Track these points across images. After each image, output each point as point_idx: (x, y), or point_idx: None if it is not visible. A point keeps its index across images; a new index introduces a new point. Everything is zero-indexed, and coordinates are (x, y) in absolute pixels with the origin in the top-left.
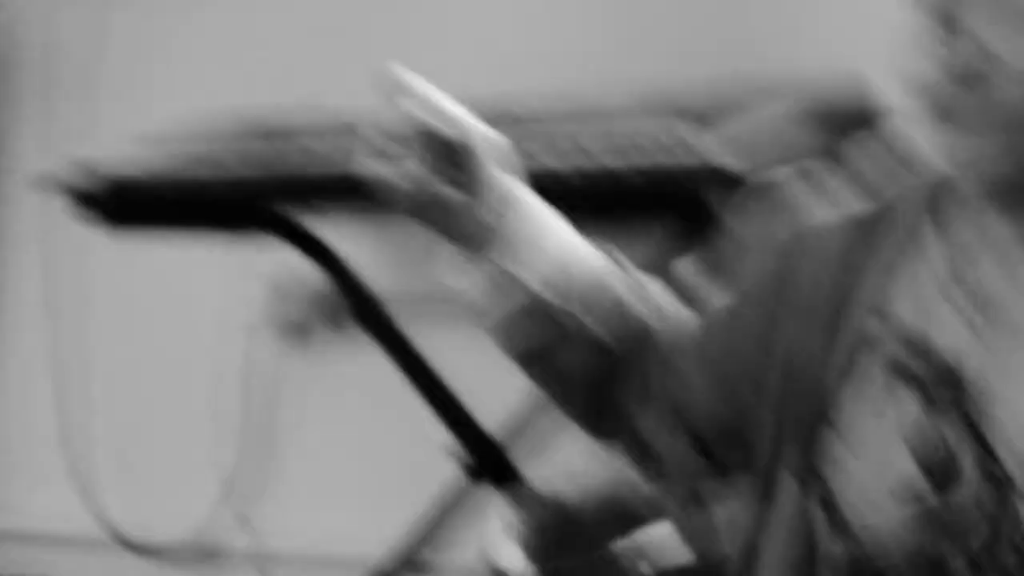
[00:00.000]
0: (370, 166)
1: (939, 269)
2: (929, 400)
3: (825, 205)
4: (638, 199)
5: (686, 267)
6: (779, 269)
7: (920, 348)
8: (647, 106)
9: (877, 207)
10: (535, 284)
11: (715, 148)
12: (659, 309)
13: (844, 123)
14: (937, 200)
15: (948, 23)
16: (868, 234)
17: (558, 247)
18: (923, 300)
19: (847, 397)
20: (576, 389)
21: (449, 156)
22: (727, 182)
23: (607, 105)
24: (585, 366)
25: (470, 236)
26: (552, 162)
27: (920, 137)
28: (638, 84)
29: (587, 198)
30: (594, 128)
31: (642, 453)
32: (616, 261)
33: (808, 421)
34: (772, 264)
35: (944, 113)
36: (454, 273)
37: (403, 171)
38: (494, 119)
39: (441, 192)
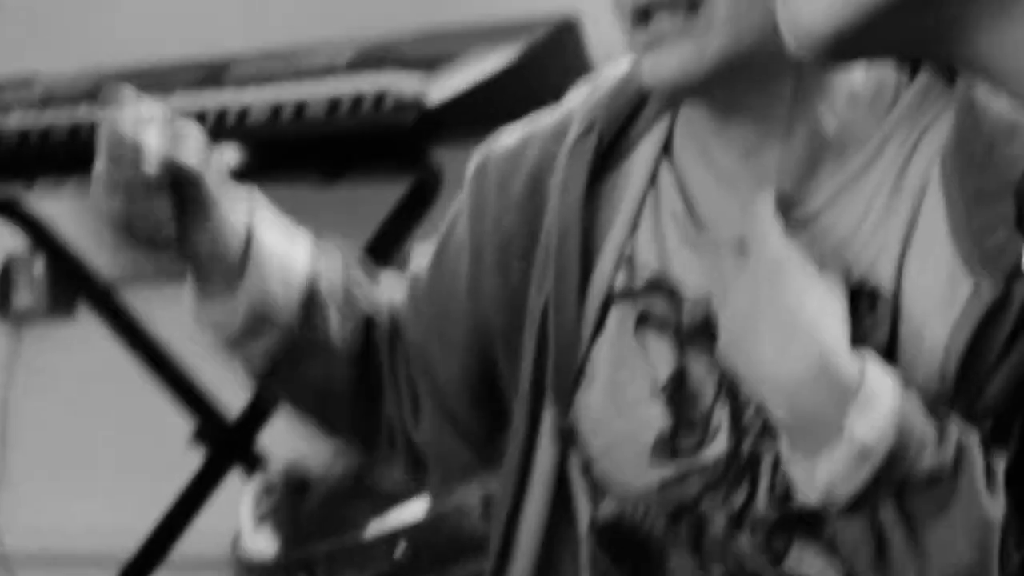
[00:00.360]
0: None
1: (673, 202)
2: (682, 349)
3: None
4: (364, 157)
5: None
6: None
7: (668, 293)
8: (366, 58)
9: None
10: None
11: (438, 101)
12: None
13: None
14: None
15: None
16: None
17: (281, 262)
18: (664, 239)
19: (601, 353)
20: (325, 398)
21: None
22: (451, 135)
23: (325, 60)
24: (328, 377)
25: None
26: (271, 125)
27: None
28: (355, 36)
29: (310, 160)
30: (313, 86)
31: (404, 450)
32: (336, 257)
33: (564, 381)
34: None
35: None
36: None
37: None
38: (207, 78)
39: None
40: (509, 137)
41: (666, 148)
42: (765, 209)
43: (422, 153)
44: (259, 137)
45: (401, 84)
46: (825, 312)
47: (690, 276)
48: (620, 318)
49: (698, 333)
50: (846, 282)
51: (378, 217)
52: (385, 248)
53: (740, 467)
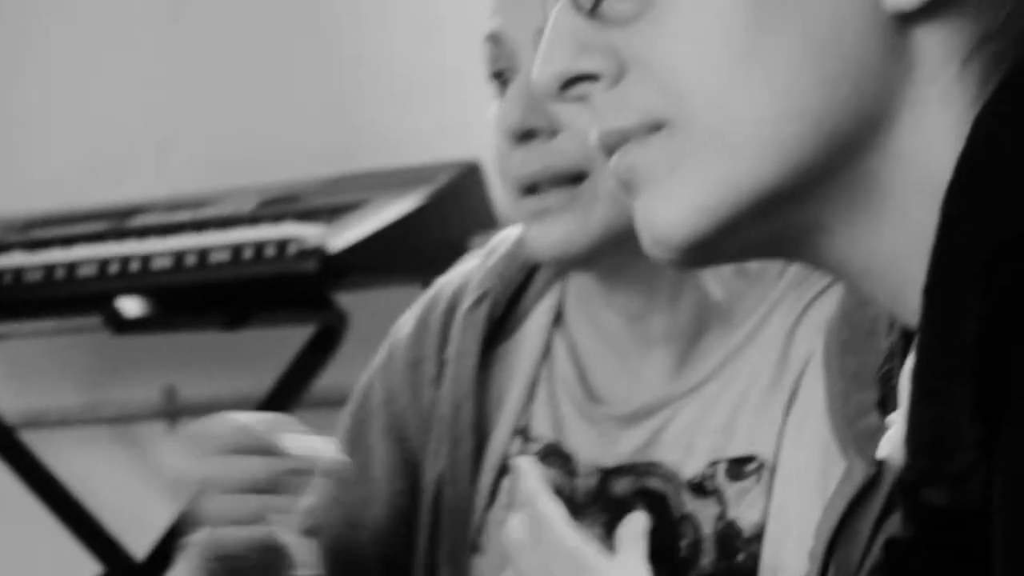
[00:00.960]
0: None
1: (565, 371)
2: (575, 516)
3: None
4: (268, 304)
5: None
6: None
7: (563, 461)
8: (271, 206)
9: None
10: None
11: (341, 247)
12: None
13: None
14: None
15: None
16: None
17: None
18: (558, 409)
19: (494, 521)
20: None
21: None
22: (357, 281)
23: (231, 208)
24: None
25: None
26: (177, 274)
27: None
28: (260, 186)
29: (217, 307)
30: (218, 234)
31: None
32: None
33: (458, 551)
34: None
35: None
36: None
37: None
38: (112, 228)
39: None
40: (408, 321)
41: (558, 316)
42: (540, 494)
43: (326, 298)
44: (164, 285)
45: (304, 231)
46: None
47: (584, 446)
48: (513, 489)
49: (591, 502)
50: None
51: (283, 361)
52: (290, 392)
53: None
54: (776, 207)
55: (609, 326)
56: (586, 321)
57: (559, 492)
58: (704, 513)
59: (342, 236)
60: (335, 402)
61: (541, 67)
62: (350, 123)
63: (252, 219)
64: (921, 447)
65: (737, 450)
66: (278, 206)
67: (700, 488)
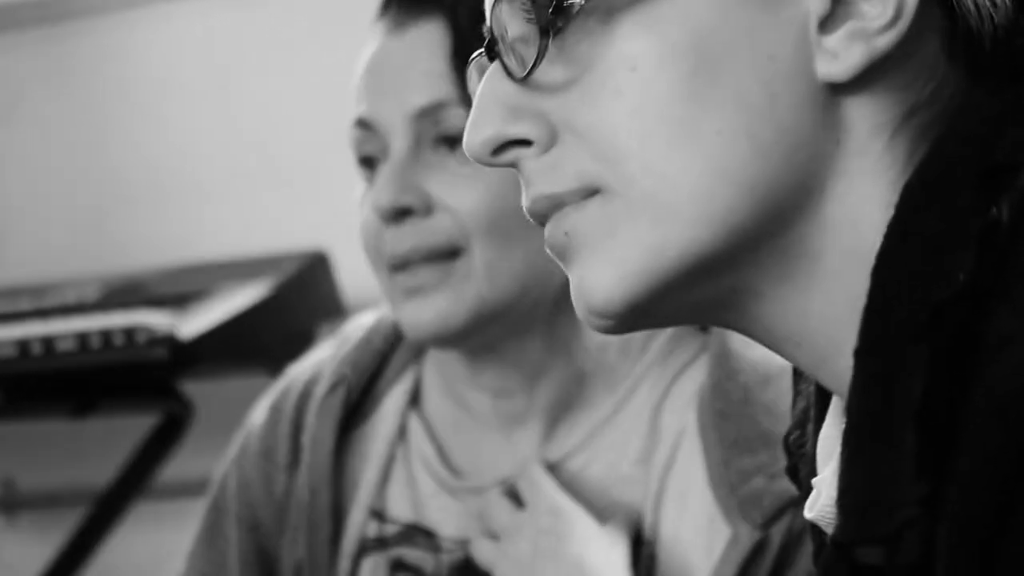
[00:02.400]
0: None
1: (423, 450)
2: None
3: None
4: (115, 391)
5: None
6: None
7: (425, 537)
8: (116, 294)
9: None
10: None
11: (189, 336)
12: None
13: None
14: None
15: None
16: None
17: None
18: (417, 488)
19: None
20: None
21: None
22: (205, 369)
23: (74, 297)
24: None
25: None
26: (22, 362)
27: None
28: (101, 275)
29: (63, 396)
30: (63, 322)
31: None
32: None
33: None
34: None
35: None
36: None
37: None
38: None
39: None
40: (261, 410)
41: (415, 397)
42: (535, 462)
43: (172, 387)
44: (8, 374)
45: (153, 319)
46: (609, 562)
47: (447, 520)
48: (372, 568)
49: (457, 573)
50: (628, 528)
51: (125, 451)
52: (133, 482)
53: None
54: (710, 271)
55: (474, 403)
56: (448, 399)
57: (419, 571)
58: None
59: (192, 324)
60: (179, 492)
61: (472, 132)
62: (188, 214)
63: (98, 307)
64: (856, 506)
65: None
66: (124, 295)
67: None
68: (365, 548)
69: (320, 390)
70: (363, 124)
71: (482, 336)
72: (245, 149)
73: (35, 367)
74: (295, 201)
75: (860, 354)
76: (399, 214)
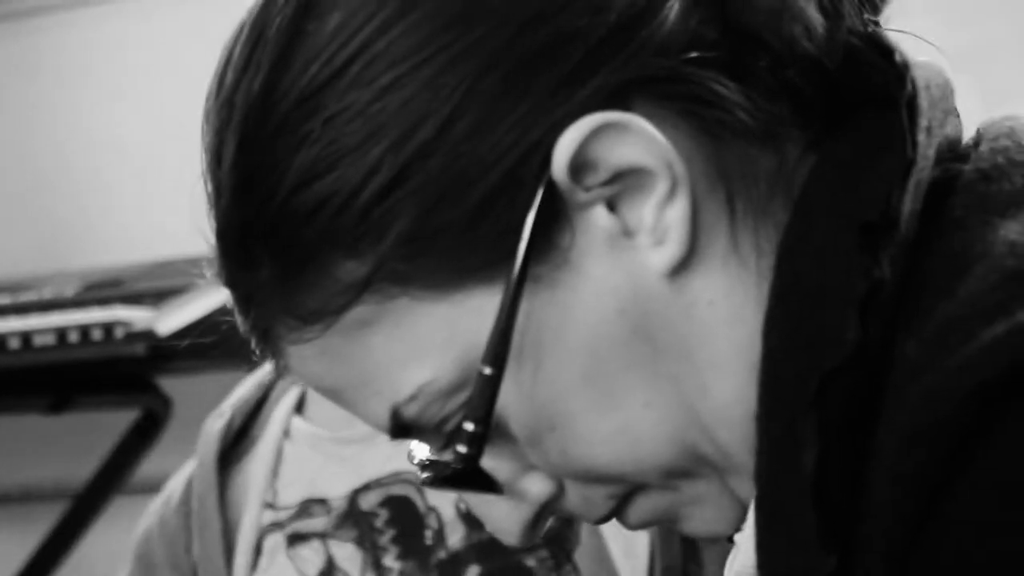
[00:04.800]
0: None
1: (310, 436)
2: (327, 538)
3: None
4: (94, 387)
5: None
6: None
7: (319, 504)
8: (94, 290)
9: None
10: None
11: (169, 331)
12: None
13: None
14: None
15: None
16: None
17: None
18: (307, 469)
19: None
20: None
21: None
22: (183, 365)
23: (52, 293)
24: None
25: None
26: (3, 357)
27: None
28: (80, 270)
29: (40, 391)
30: (41, 318)
31: None
32: None
33: None
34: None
35: None
36: None
37: None
38: None
39: None
40: (150, 516)
41: (300, 405)
42: None
43: (150, 383)
44: None
45: (132, 315)
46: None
47: (337, 486)
48: (271, 547)
49: (342, 523)
50: None
51: (102, 447)
52: (111, 478)
53: None
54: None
55: None
56: None
57: (315, 534)
58: (445, 501)
59: (170, 319)
60: (157, 488)
61: (517, 538)
62: (165, 210)
63: (75, 302)
64: (774, 573)
65: None
66: (102, 290)
67: None
68: (264, 533)
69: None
70: None
71: None
72: None
73: (12, 362)
74: None
75: (759, 420)
76: None
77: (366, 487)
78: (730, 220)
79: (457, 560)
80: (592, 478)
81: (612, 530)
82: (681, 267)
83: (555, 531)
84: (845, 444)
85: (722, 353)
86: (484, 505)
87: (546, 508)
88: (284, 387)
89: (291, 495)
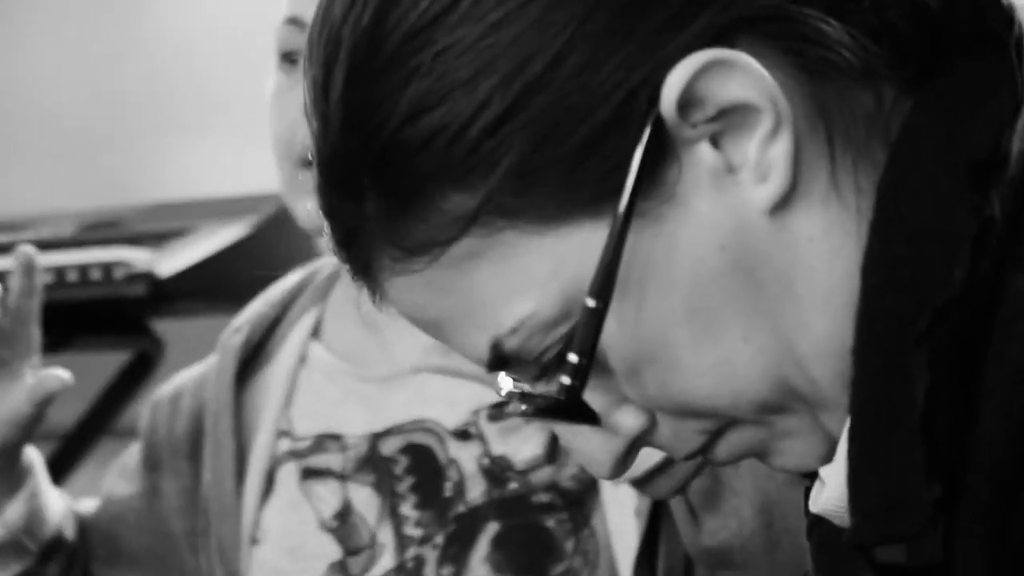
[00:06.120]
0: None
1: (329, 369)
2: (344, 484)
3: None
4: (92, 329)
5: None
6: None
7: (334, 442)
8: (92, 231)
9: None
10: None
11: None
12: None
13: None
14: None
15: None
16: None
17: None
18: (324, 402)
19: (271, 513)
20: None
21: None
22: (182, 307)
23: (50, 232)
24: None
25: None
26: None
27: None
28: (77, 211)
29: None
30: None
31: None
32: None
33: (229, 546)
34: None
35: None
36: None
37: None
38: None
39: None
40: (168, 385)
41: (316, 331)
42: None
43: (144, 325)
44: None
45: (132, 255)
46: None
47: (354, 422)
48: (285, 478)
49: (361, 466)
50: None
51: (98, 385)
52: (101, 419)
53: (408, 573)
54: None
55: (361, 305)
56: (351, 318)
57: (330, 472)
58: (467, 455)
59: (171, 261)
60: None
61: (608, 470)
62: (163, 152)
63: (74, 242)
64: (869, 509)
65: (499, 397)
66: (100, 231)
67: (463, 434)
68: (278, 462)
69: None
70: (294, 21)
71: None
72: (222, 87)
73: None
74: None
75: (858, 354)
76: None
77: (387, 432)
78: (830, 158)
79: (476, 515)
80: (687, 412)
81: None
82: (783, 204)
83: (575, 495)
84: (954, 378)
85: (820, 289)
86: (575, 437)
87: (637, 441)
88: (302, 306)
89: (307, 426)
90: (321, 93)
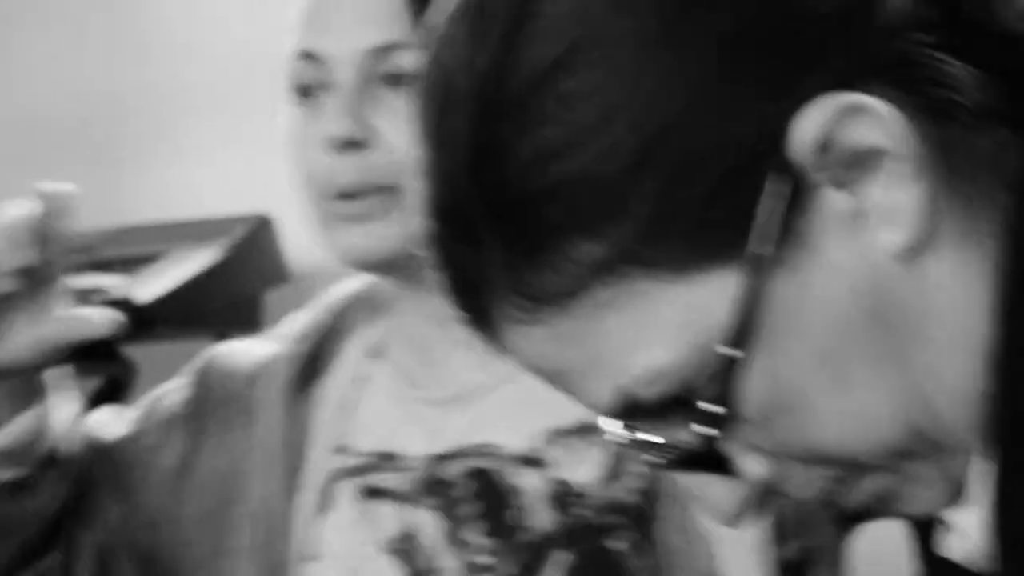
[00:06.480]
0: None
1: (389, 386)
2: (406, 506)
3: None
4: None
5: None
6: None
7: (392, 461)
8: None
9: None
10: None
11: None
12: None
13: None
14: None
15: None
16: (308, 375)
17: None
18: (383, 420)
19: (330, 530)
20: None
21: None
22: (158, 334)
23: None
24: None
25: None
26: None
27: None
28: None
29: None
30: None
31: None
32: None
33: (279, 561)
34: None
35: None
36: None
37: None
38: None
39: None
40: (235, 355)
41: (377, 349)
42: None
43: (114, 350)
44: None
45: (106, 281)
46: None
47: (413, 443)
48: (343, 496)
49: (423, 489)
50: None
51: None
52: None
53: None
54: None
55: (419, 328)
56: (405, 336)
57: (390, 493)
58: (531, 480)
59: (148, 287)
60: None
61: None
62: (126, 174)
63: None
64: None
65: (559, 420)
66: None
67: (526, 460)
68: (334, 478)
69: (281, 350)
70: (309, 56)
71: (412, 266)
72: (185, 106)
73: None
74: (236, 163)
75: (997, 399)
76: (348, 145)
77: (448, 455)
78: (959, 202)
79: (543, 543)
80: (818, 459)
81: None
82: (913, 249)
83: (637, 509)
84: None
85: (951, 334)
86: (701, 484)
87: (763, 488)
88: (358, 319)
89: (364, 443)
90: (438, 141)
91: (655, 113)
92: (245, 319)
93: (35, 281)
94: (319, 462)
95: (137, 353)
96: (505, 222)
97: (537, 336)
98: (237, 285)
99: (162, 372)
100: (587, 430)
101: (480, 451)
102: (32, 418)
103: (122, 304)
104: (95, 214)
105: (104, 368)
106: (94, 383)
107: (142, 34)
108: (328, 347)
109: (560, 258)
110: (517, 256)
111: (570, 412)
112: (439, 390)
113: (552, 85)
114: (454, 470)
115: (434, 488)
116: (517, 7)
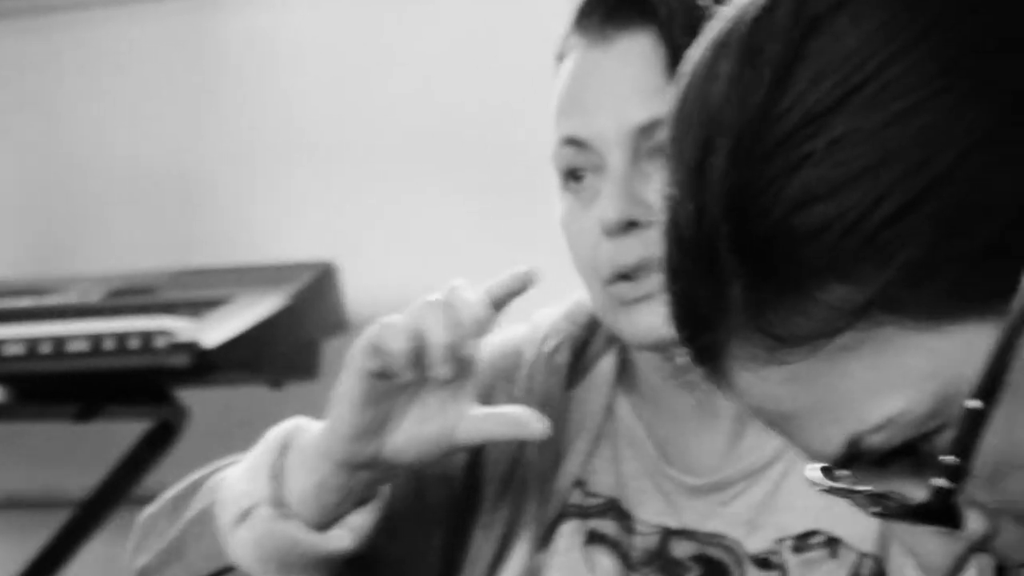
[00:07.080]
0: None
1: (632, 432)
2: (628, 564)
3: None
4: (124, 397)
5: None
6: None
7: (621, 516)
8: (121, 296)
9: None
10: None
11: (216, 344)
12: None
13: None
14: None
15: None
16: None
17: None
18: (621, 466)
19: (550, 567)
20: None
21: None
22: (220, 379)
23: (76, 298)
24: None
25: None
26: (30, 362)
27: None
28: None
29: (74, 398)
30: (77, 325)
31: None
32: None
33: None
34: None
35: None
36: None
37: None
38: None
39: None
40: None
41: (621, 375)
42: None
43: (168, 393)
44: (15, 373)
45: (173, 324)
46: None
47: (646, 504)
48: (570, 534)
49: (649, 560)
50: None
51: (113, 455)
52: (119, 488)
53: None
54: None
55: (673, 399)
56: (648, 391)
57: (616, 546)
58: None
59: (215, 331)
60: None
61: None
62: (189, 217)
63: (107, 309)
64: None
65: (802, 526)
66: (130, 297)
67: (765, 563)
68: (565, 514)
69: (543, 349)
70: (574, 141)
71: None
72: (251, 154)
73: (44, 367)
74: (302, 210)
75: None
76: (626, 227)
77: (681, 532)
78: None
79: None
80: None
81: None
82: None
83: None
84: None
85: None
86: (915, 537)
87: (977, 545)
88: (604, 337)
89: (602, 484)
90: (696, 175)
91: (932, 160)
92: (303, 367)
93: (460, 371)
94: (559, 493)
95: (193, 398)
96: (756, 260)
97: (772, 377)
98: (299, 332)
99: (213, 418)
100: (825, 538)
101: (716, 540)
102: (370, 514)
103: (188, 347)
104: (162, 255)
105: (157, 411)
106: (145, 426)
107: (218, 83)
108: (583, 356)
109: (809, 299)
110: (765, 295)
111: (809, 519)
112: (690, 474)
113: (826, 126)
114: (684, 550)
115: (661, 563)
116: (792, 47)
